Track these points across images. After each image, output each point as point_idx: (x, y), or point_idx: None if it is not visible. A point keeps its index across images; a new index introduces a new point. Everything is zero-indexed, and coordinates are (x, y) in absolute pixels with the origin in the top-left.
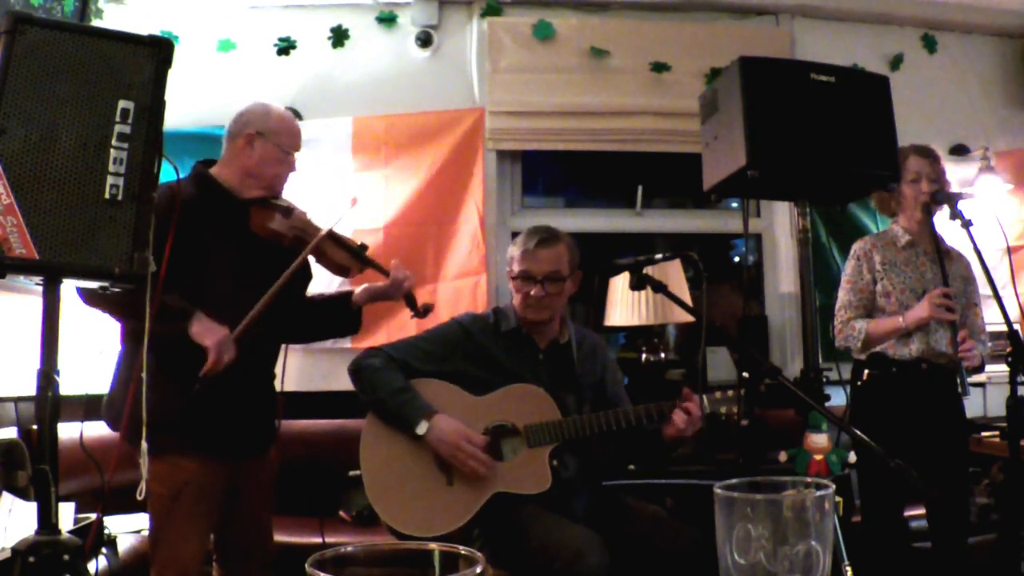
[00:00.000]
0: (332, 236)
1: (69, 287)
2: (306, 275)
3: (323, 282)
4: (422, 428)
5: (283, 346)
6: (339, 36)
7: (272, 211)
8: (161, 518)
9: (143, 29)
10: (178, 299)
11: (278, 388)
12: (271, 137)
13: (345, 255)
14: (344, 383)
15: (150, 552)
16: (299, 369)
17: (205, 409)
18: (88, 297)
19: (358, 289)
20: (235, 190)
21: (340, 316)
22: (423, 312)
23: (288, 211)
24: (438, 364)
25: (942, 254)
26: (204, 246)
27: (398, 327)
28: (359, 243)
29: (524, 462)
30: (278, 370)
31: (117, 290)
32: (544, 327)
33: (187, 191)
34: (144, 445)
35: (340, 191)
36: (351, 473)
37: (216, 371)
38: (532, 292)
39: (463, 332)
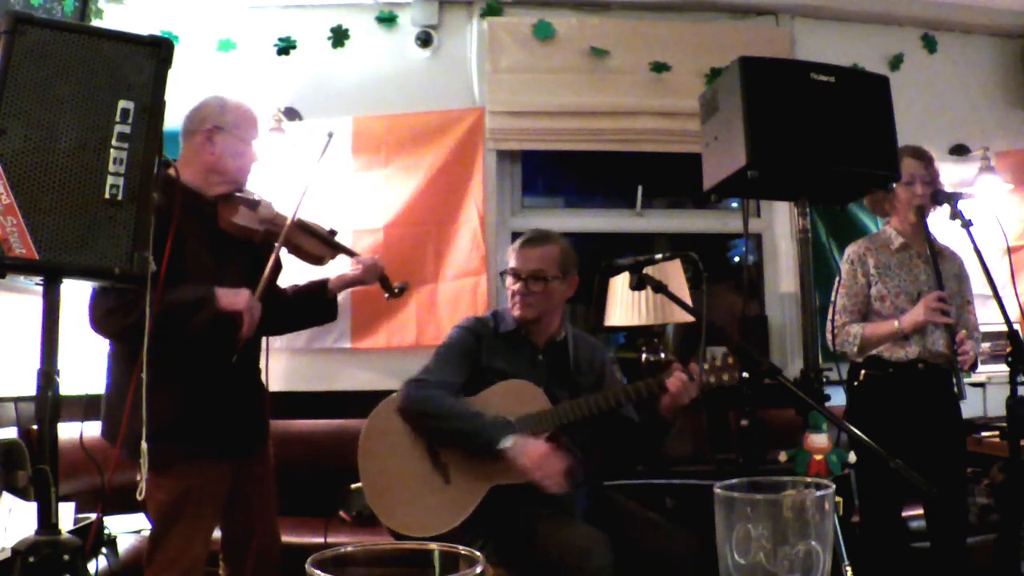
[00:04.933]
0: (300, 225)
1: (69, 287)
2: (278, 267)
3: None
4: (509, 443)
5: (267, 348)
6: (339, 36)
7: (240, 205)
8: (164, 523)
9: (143, 29)
10: (187, 289)
11: (267, 388)
12: (231, 130)
13: (317, 243)
14: (344, 383)
15: (148, 551)
16: (299, 369)
17: (200, 414)
18: (100, 326)
19: (333, 277)
20: (200, 189)
21: (317, 305)
22: (399, 292)
23: (255, 204)
24: (468, 371)
25: (936, 256)
26: (177, 250)
27: (398, 327)
28: (328, 229)
29: None
30: (263, 367)
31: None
32: (540, 328)
33: (157, 196)
34: (144, 446)
35: (340, 191)
36: (353, 487)
37: (252, 331)
38: (514, 288)
39: (473, 337)
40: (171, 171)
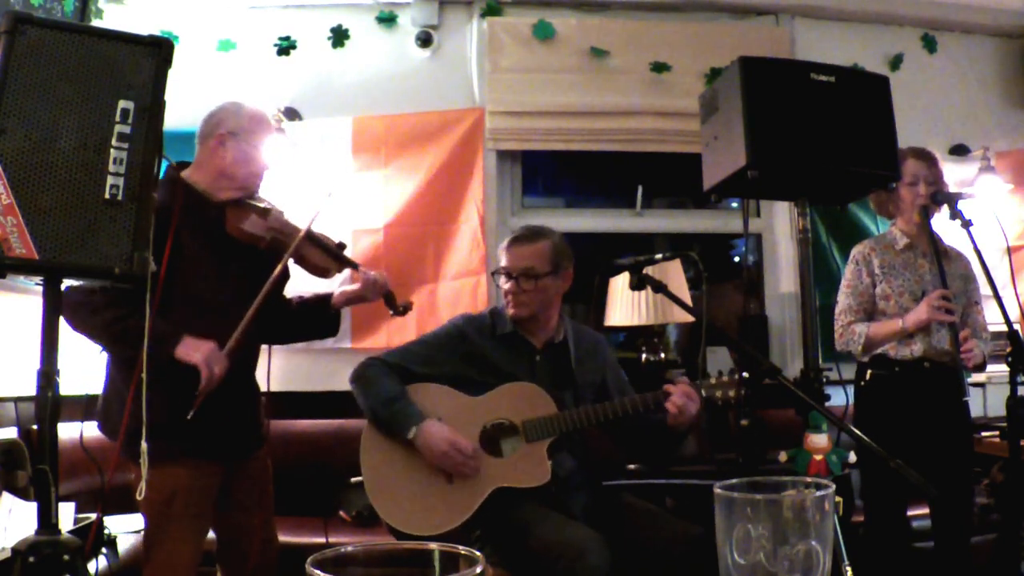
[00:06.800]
0: (310, 236)
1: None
2: (285, 276)
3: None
4: (411, 434)
5: (269, 348)
6: (339, 36)
7: (248, 212)
8: (155, 522)
9: (143, 29)
10: (160, 323)
11: (265, 388)
12: (244, 137)
13: (323, 256)
14: (344, 383)
15: (144, 555)
16: (300, 369)
17: (193, 415)
18: (75, 322)
19: (336, 291)
20: (209, 192)
21: (320, 318)
22: (403, 310)
23: (265, 212)
24: (436, 367)
25: (940, 255)
26: (180, 250)
27: (398, 327)
28: (336, 241)
29: (523, 457)
30: (261, 372)
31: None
32: (537, 327)
33: (160, 195)
34: (144, 445)
35: (340, 191)
36: (353, 480)
37: (211, 387)
38: (506, 287)
39: (459, 334)
40: (177, 172)
